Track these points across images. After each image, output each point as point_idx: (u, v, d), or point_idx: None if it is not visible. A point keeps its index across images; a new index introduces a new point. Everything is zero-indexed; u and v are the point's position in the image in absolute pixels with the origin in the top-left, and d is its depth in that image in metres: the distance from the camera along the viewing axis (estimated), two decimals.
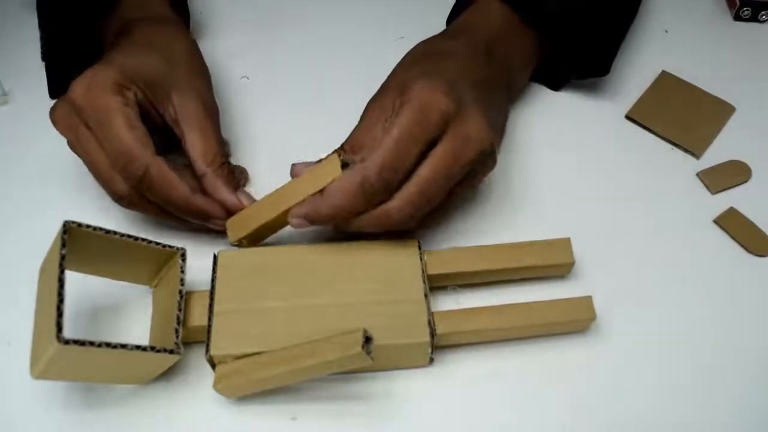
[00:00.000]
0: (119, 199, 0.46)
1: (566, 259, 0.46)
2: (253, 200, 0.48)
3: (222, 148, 0.49)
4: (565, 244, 0.47)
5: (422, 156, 0.42)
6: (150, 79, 0.47)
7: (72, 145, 0.46)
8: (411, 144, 0.41)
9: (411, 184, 0.42)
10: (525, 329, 0.44)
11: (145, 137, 0.45)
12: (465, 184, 0.46)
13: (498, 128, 0.48)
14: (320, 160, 0.46)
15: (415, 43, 0.53)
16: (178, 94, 0.48)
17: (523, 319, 0.44)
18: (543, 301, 0.44)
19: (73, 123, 0.45)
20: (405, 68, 0.49)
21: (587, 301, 0.44)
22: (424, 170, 0.42)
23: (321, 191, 0.43)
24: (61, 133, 0.46)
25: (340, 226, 0.44)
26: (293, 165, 0.47)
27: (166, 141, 0.47)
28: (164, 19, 0.53)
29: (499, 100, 0.50)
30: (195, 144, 0.47)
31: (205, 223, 0.47)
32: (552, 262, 0.46)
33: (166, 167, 0.45)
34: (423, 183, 0.42)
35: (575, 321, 0.44)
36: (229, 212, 0.47)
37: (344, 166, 0.42)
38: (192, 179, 0.48)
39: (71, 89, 0.45)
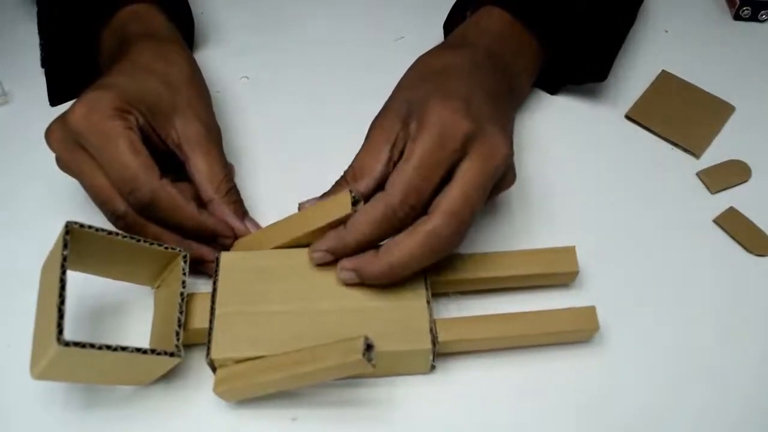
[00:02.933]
0: (117, 220, 0.45)
1: (571, 267, 0.46)
2: (260, 228, 0.48)
3: (228, 173, 0.49)
4: (569, 252, 0.46)
5: (444, 179, 0.41)
6: (151, 103, 0.47)
7: (66, 166, 0.46)
8: (433, 169, 0.41)
9: (448, 198, 0.40)
10: (527, 338, 0.44)
11: (150, 161, 0.44)
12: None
13: (511, 139, 0.47)
14: (325, 194, 0.46)
15: (415, 43, 0.53)
16: (181, 118, 0.48)
17: (526, 329, 0.43)
18: (546, 311, 0.44)
19: (70, 145, 0.45)
20: (410, 87, 0.48)
21: (590, 311, 0.44)
22: (458, 186, 0.41)
23: (344, 224, 0.42)
24: (57, 153, 0.46)
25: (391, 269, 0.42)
26: (301, 203, 0.47)
27: (166, 164, 0.47)
28: (163, 37, 0.52)
29: (506, 109, 0.50)
30: (200, 169, 0.47)
31: (213, 242, 0.47)
32: (556, 270, 0.46)
33: (173, 190, 0.44)
34: (461, 195, 0.40)
35: (578, 331, 0.44)
36: (236, 238, 0.47)
37: (355, 203, 0.42)
38: (191, 190, 0.48)
39: (70, 112, 0.44)
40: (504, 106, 0.48)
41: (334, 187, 0.47)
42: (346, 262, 0.43)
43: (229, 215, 0.47)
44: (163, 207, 0.44)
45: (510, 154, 0.43)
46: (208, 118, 0.50)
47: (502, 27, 0.52)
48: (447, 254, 0.42)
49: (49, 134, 0.46)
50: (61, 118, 0.45)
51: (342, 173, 0.47)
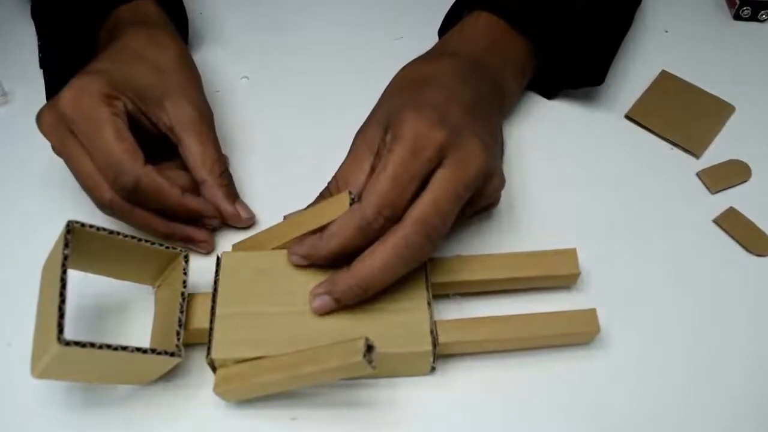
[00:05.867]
0: (103, 206, 0.46)
1: (572, 269, 0.46)
2: (251, 213, 0.49)
3: (221, 155, 0.49)
4: (570, 254, 0.46)
5: (420, 188, 0.41)
6: (140, 88, 0.47)
7: (57, 152, 0.46)
8: (407, 179, 0.40)
9: (418, 206, 0.40)
10: (528, 341, 0.44)
11: (134, 148, 0.45)
12: (478, 210, 0.46)
13: (494, 147, 0.47)
14: (310, 205, 0.46)
15: (414, 43, 0.53)
16: (171, 101, 0.48)
17: (526, 331, 0.43)
18: (546, 313, 0.44)
19: (59, 130, 0.45)
20: (389, 98, 0.48)
21: (591, 313, 0.44)
22: (429, 194, 0.40)
23: (321, 230, 0.42)
24: (47, 138, 0.46)
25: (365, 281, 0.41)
26: (286, 216, 0.47)
27: (159, 149, 0.47)
28: (152, 23, 0.53)
29: (491, 117, 0.49)
30: (193, 151, 0.48)
31: (199, 224, 0.48)
32: (557, 272, 0.46)
33: (157, 176, 0.45)
34: (431, 203, 0.40)
35: (579, 333, 0.44)
36: (224, 220, 0.48)
37: (353, 203, 0.42)
38: (185, 179, 0.49)
39: (59, 97, 0.45)
40: (486, 114, 0.48)
41: (317, 198, 0.47)
42: (316, 288, 0.42)
43: (220, 198, 0.48)
44: (148, 192, 0.45)
45: (487, 162, 0.42)
46: (200, 101, 0.50)
47: (489, 32, 0.52)
48: (419, 263, 0.42)
49: (40, 119, 0.46)
50: (51, 104, 0.46)
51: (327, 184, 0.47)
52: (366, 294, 0.41)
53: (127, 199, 0.45)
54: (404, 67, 0.50)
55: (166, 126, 0.48)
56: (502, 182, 0.46)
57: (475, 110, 0.46)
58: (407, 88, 0.48)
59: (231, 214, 0.48)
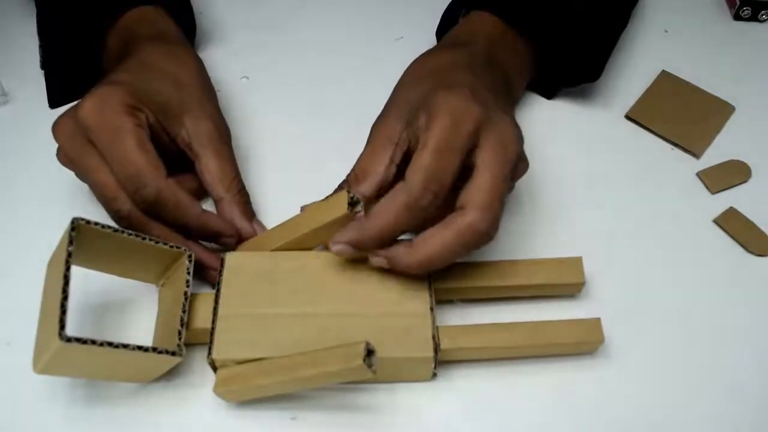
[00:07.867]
0: (120, 218, 0.45)
1: (577, 278, 0.45)
2: (267, 230, 0.48)
3: (238, 173, 0.49)
4: (576, 263, 0.46)
5: (461, 167, 0.41)
6: (161, 102, 0.47)
7: (71, 160, 0.46)
8: (450, 154, 0.40)
9: (478, 191, 0.40)
10: (531, 349, 0.44)
11: (157, 160, 0.44)
12: None
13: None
14: (327, 198, 0.46)
15: (415, 43, 0.53)
16: (190, 117, 0.48)
17: (529, 339, 0.43)
18: (550, 321, 0.43)
19: (78, 139, 0.45)
20: (410, 88, 0.48)
21: (596, 323, 0.43)
22: (484, 179, 0.40)
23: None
24: (63, 147, 0.46)
25: (425, 266, 0.41)
26: (303, 207, 0.47)
27: (174, 164, 0.47)
28: (171, 39, 0.53)
29: (506, 104, 0.49)
30: (211, 168, 0.48)
31: (216, 241, 0.47)
32: (562, 281, 0.45)
33: (178, 190, 0.45)
34: (491, 188, 0.40)
35: (583, 343, 0.44)
36: (242, 238, 0.47)
37: (354, 203, 0.42)
38: (195, 182, 0.49)
39: (80, 107, 0.44)
40: (504, 100, 0.48)
41: (336, 191, 0.47)
42: (374, 255, 0.42)
43: (237, 215, 0.47)
44: (168, 206, 0.44)
45: (521, 140, 0.43)
46: (218, 118, 0.50)
47: (493, 29, 0.52)
48: (481, 247, 0.41)
49: (57, 128, 0.46)
50: (71, 112, 0.45)
51: (345, 176, 0.47)
52: (425, 271, 0.42)
53: (145, 212, 0.45)
54: (417, 58, 0.51)
55: (184, 141, 0.48)
56: (526, 167, 0.46)
57: (495, 94, 0.46)
58: (429, 75, 0.48)
59: (248, 233, 0.47)
